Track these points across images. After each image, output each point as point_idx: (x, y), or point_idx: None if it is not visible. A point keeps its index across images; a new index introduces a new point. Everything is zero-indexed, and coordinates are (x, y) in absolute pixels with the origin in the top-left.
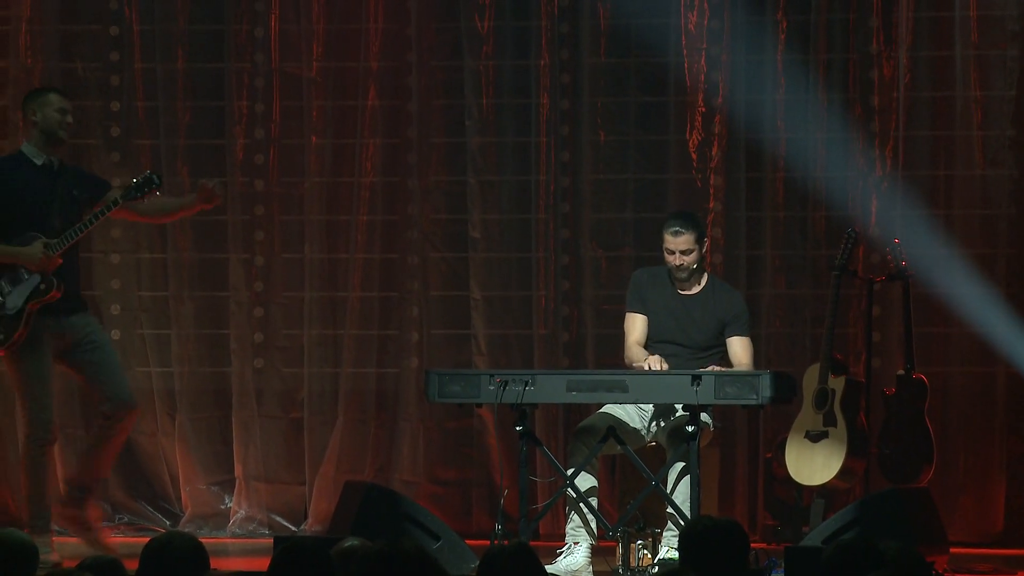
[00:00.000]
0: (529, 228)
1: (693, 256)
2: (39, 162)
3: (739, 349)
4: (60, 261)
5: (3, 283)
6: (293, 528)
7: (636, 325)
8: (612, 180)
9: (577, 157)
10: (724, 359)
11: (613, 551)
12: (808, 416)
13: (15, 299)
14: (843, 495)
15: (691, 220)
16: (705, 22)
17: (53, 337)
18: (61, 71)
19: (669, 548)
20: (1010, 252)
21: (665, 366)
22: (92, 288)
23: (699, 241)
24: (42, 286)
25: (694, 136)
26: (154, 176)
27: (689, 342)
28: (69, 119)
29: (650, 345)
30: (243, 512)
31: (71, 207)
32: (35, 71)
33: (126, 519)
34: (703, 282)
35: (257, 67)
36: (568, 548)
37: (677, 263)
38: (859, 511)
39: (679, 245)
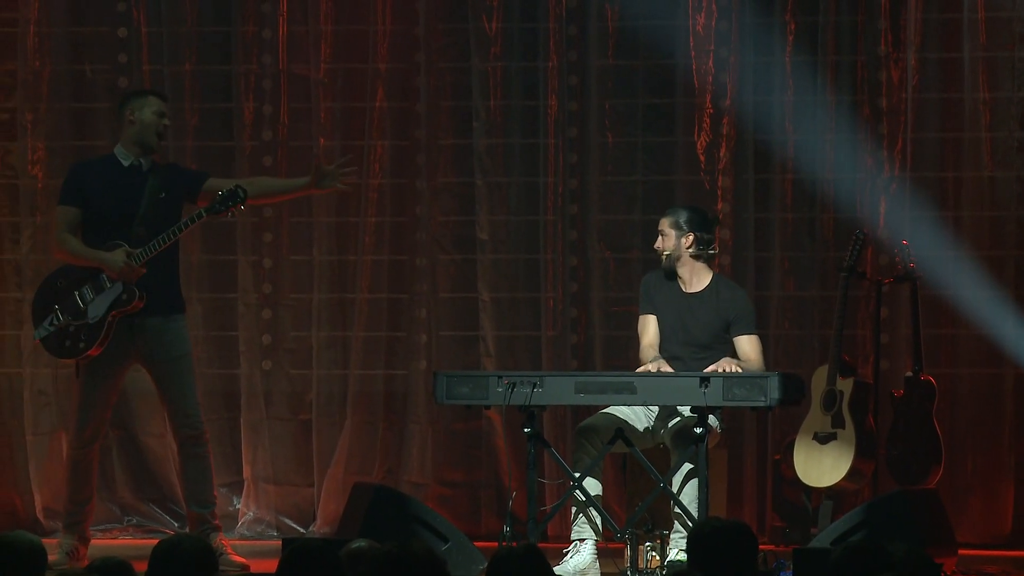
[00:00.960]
0: (537, 230)
1: (668, 242)
2: (126, 163)
3: (748, 348)
4: (143, 271)
5: (86, 290)
6: (301, 530)
7: (647, 327)
8: (620, 182)
9: (585, 159)
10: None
11: (621, 553)
12: (816, 418)
13: (97, 308)
14: (851, 497)
15: (685, 210)
16: (713, 24)
17: (124, 340)
18: (69, 73)
19: (678, 550)
20: (1018, 254)
21: (668, 370)
22: None
23: (675, 227)
24: (124, 296)
25: (702, 138)
26: (239, 190)
27: (692, 340)
28: (166, 122)
29: (659, 345)
30: (252, 514)
31: (157, 211)
32: (43, 73)
33: (134, 521)
34: (708, 281)
35: (265, 69)
36: (574, 547)
37: (655, 244)
38: (867, 513)
39: (660, 225)
